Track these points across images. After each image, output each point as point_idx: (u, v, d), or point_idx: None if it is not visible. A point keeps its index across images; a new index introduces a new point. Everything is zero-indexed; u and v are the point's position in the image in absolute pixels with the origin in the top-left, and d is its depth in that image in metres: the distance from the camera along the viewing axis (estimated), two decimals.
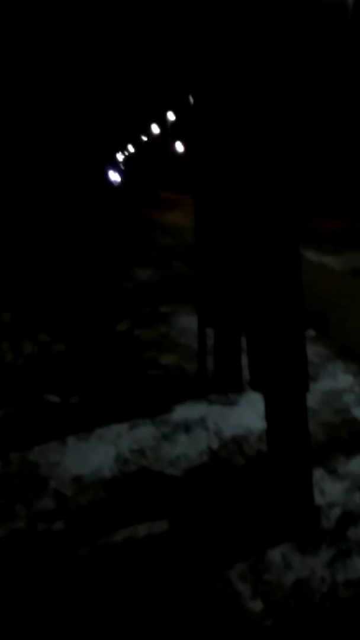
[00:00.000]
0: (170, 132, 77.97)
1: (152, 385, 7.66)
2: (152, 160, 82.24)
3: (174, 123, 75.96)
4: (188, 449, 5.96)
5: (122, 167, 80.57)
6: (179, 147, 75.35)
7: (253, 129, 4.49)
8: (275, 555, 4.31)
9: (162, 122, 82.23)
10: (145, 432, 6.31)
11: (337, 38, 31.65)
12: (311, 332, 8.67)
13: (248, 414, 6.46)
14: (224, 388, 7.23)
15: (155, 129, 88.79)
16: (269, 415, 4.67)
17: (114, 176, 64.12)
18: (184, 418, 6.58)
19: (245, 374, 6.23)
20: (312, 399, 6.22)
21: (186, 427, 6.39)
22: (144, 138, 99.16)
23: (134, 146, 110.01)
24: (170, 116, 76.82)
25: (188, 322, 9.96)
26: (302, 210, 4.95)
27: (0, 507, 5.10)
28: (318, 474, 5.20)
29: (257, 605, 3.91)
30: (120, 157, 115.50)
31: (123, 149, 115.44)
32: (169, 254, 18.79)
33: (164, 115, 78.80)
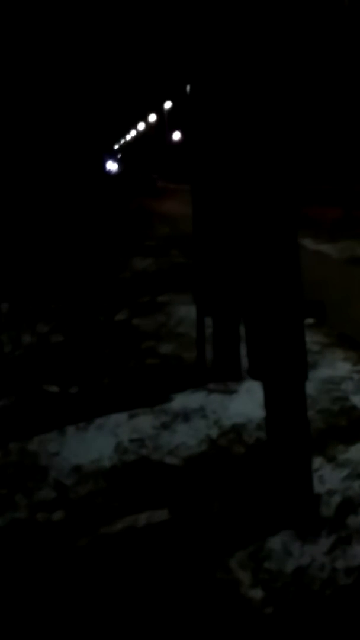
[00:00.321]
0: (167, 121, 77.83)
1: (151, 375, 7.67)
2: (149, 149, 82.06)
3: (171, 112, 75.82)
4: (187, 437, 5.96)
5: (120, 156, 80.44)
6: (176, 136, 75.23)
7: (251, 116, 4.48)
8: (275, 543, 4.31)
9: (160, 111, 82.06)
10: (145, 422, 6.32)
11: (335, 26, 31.57)
12: (310, 321, 8.66)
13: (247, 403, 6.47)
14: (223, 377, 7.23)
15: (152, 117, 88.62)
16: (268, 403, 4.67)
17: (112, 165, 64.02)
18: (183, 407, 6.59)
19: (244, 362, 6.23)
20: (311, 387, 6.22)
21: (185, 416, 6.40)
22: (142, 127, 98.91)
23: (131, 135, 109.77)
24: (168, 105, 76.68)
25: (186, 311, 9.96)
26: (299, 198, 4.93)
27: (0, 498, 5.10)
28: (317, 461, 5.20)
29: (257, 593, 3.91)
30: (117, 146, 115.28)
31: (120, 138, 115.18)
32: (167, 244, 18.79)
33: (162, 104, 78.65)
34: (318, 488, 4.86)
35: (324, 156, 38.82)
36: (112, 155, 77.95)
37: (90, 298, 11.60)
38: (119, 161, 67.78)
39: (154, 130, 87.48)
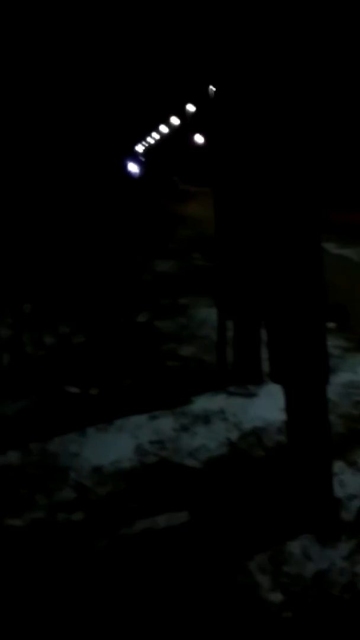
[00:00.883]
0: (189, 124, 77.83)
1: (172, 377, 7.67)
2: (171, 152, 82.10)
3: (193, 115, 75.82)
4: (207, 440, 5.96)
5: (142, 159, 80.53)
6: (199, 139, 75.21)
7: (275, 120, 4.48)
8: (294, 547, 4.30)
9: (182, 114, 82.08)
10: (165, 424, 6.32)
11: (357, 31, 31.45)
12: (331, 325, 8.64)
13: (267, 406, 6.45)
14: (244, 380, 7.22)
15: (175, 121, 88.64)
16: (289, 407, 4.67)
17: (133, 168, 64.09)
18: (203, 409, 6.59)
19: (265, 366, 6.23)
20: (332, 392, 6.19)
21: (205, 418, 6.40)
22: (164, 130, 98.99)
23: (153, 138, 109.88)
24: (190, 108, 76.67)
25: (207, 313, 9.95)
26: (323, 202, 4.92)
27: (20, 497, 5.12)
28: (338, 466, 5.18)
29: (276, 597, 3.91)
30: (139, 149, 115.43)
31: (142, 141, 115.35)
32: (189, 246, 18.79)
33: (184, 107, 78.65)
34: (338, 492, 4.85)
35: (345, 161, 38.68)
36: (135, 158, 78.07)
37: (111, 300, 11.62)
38: (141, 164, 67.83)
39: (176, 134, 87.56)
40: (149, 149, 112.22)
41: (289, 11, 4.43)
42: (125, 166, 57.57)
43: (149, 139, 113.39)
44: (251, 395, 6.90)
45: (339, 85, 36.35)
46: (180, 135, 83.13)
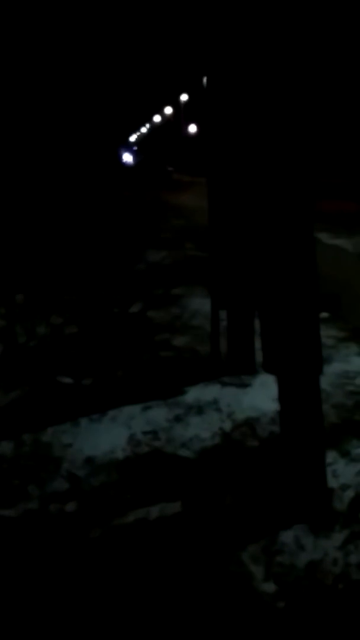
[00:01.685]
0: (183, 114, 77.72)
1: (165, 367, 7.66)
2: (165, 142, 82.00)
3: (187, 104, 75.71)
4: (201, 430, 5.96)
5: (136, 149, 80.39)
6: (192, 128, 75.12)
7: (268, 109, 4.46)
8: (288, 537, 4.30)
9: (176, 104, 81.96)
10: (158, 414, 6.31)
11: (354, 19, 31.44)
12: (324, 315, 8.64)
13: (261, 396, 6.46)
14: (237, 370, 7.22)
15: (168, 110, 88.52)
16: (282, 397, 4.66)
17: (127, 158, 63.96)
18: (196, 400, 6.58)
19: (258, 356, 6.23)
20: (325, 382, 6.20)
21: (199, 409, 6.39)
22: (158, 119, 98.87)
23: (147, 128, 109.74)
24: (184, 97, 76.55)
25: (201, 304, 9.95)
26: (316, 192, 4.91)
27: (13, 488, 5.11)
28: (331, 456, 5.19)
29: (269, 587, 3.91)
30: (133, 138, 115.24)
31: (136, 130, 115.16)
32: (182, 236, 18.76)
33: (178, 97, 78.53)
34: (331, 482, 4.85)
35: (340, 150, 38.68)
36: (129, 148, 77.92)
37: (104, 290, 11.60)
38: (135, 153, 67.67)
39: (169, 123, 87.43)
40: (143, 139, 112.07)
41: (281, 2, 4.41)
42: (119, 156, 57.46)
43: (142, 129, 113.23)
44: (245, 385, 6.89)
45: (334, 75, 36.33)
46: (173, 125, 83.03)
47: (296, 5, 4.41)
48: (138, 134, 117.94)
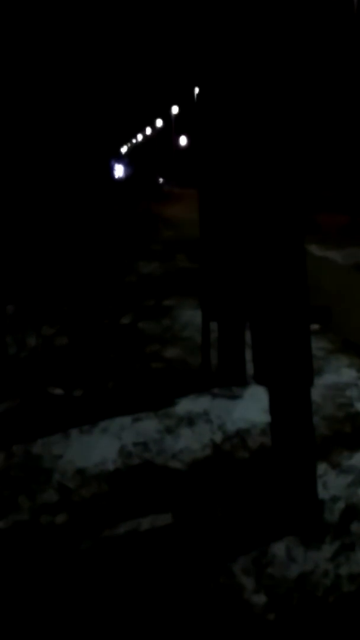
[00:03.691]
0: (174, 126, 77.90)
1: (156, 379, 7.66)
2: (156, 154, 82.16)
3: (178, 117, 75.90)
4: (191, 442, 5.96)
5: (127, 161, 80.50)
6: (183, 141, 75.28)
7: (259, 121, 4.48)
8: (278, 548, 4.30)
9: (167, 116, 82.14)
10: (149, 425, 6.31)
11: (343, 31, 31.60)
12: (315, 326, 8.65)
13: (252, 408, 6.46)
14: (228, 381, 7.22)
15: (159, 122, 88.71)
16: (273, 409, 4.67)
17: (119, 169, 64.05)
18: (187, 411, 6.58)
19: (249, 367, 6.23)
20: (316, 393, 6.22)
21: (190, 420, 6.39)
22: (149, 132, 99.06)
23: (138, 140, 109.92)
24: (175, 110, 76.75)
25: (191, 315, 9.96)
26: (306, 204, 4.93)
27: (3, 500, 5.10)
28: (322, 468, 5.19)
29: (260, 599, 3.90)
30: (124, 150, 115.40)
31: (128, 142, 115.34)
32: (173, 248, 18.79)
33: (169, 109, 78.72)
34: (322, 494, 4.86)
35: (331, 163, 38.80)
36: (120, 160, 77.97)
37: (95, 301, 11.60)
38: (126, 165, 67.72)
39: (160, 135, 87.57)
40: (134, 151, 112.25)
41: (269, 16, 4.43)
42: (111, 168, 57.55)
43: (133, 141, 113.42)
44: (235, 397, 6.89)
45: (327, 89, 36.48)
46: (164, 137, 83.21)
47: (287, 20, 4.44)
48: (129, 145, 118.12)
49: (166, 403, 6.78)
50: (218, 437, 6.04)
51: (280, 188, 4.48)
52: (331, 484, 5.09)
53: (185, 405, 6.72)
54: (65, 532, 4.64)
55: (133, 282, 13.97)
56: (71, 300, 11.59)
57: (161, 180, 54.25)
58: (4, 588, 4.08)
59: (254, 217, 4.62)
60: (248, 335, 5.73)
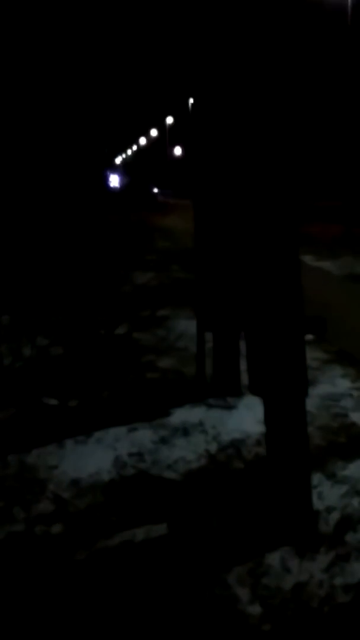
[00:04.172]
0: (168, 137, 78.07)
1: (151, 389, 7.66)
2: (150, 164, 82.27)
3: (172, 127, 76.06)
4: (186, 452, 5.95)
5: (122, 171, 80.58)
6: (177, 151, 75.41)
7: (253, 133, 4.49)
8: (273, 559, 4.30)
9: (161, 126, 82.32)
10: (144, 436, 6.31)
11: (337, 40, 31.71)
12: (310, 337, 8.67)
13: (246, 418, 6.46)
14: (223, 392, 7.23)
15: (154, 132, 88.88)
16: (268, 419, 4.67)
17: (114, 180, 64.10)
18: (182, 422, 6.58)
19: (244, 378, 6.23)
20: (311, 404, 6.22)
21: (184, 430, 6.39)
22: (143, 142, 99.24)
23: (132, 150, 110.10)
24: (169, 120, 76.93)
25: (186, 325, 9.96)
26: (301, 215, 4.95)
27: None
28: (316, 478, 5.20)
29: (255, 610, 3.90)
30: (119, 161, 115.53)
31: (122, 152, 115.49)
32: (167, 258, 18.82)
33: (163, 120, 78.89)
34: (317, 504, 4.86)
35: (326, 174, 38.90)
36: (115, 171, 78.06)
37: (90, 311, 11.59)
38: (121, 176, 67.77)
39: (155, 146, 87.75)
40: (128, 161, 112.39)
41: (263, 29, 4.46)
42: (105, 178, 57.56)
43: (129, 152, 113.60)
44: (230, 407, 6.90)
45: (321, 99, 36.59)
46: (159, 148, 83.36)
47: (281, 33, 4.46)
48: (124, 156, 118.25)
49: (161, 413, 6.78)
50: (213, 448, 6.04)
51: (275, 198, 4.49)
52: (326, 494, 5.09)
53: (180, 416, 6.72)
54: (60, 542, 4.64)
55: (128, 292, 13.97)
56: (66, 311, 11.57)
57: (156, 190, 54.30)
58: (0, 598, 4.08)
59: (248, 227, 4.63)
60: (243, 346, 5.73)
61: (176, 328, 10.36)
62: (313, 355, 8.20)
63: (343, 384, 7.57)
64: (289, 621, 3.81)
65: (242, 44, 4.53)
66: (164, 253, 20.28)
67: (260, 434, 5.58)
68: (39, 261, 15.99)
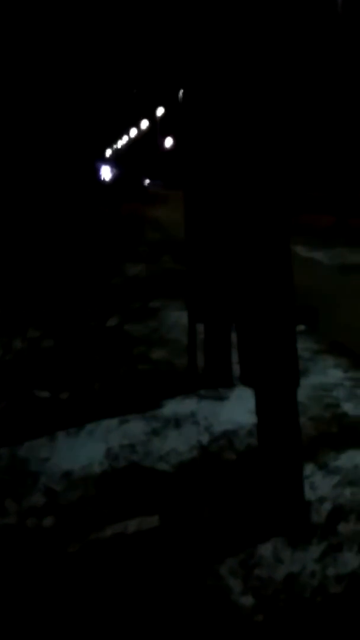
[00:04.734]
0: (159, 128, 77.94)
1: (142, 381, 7.65)
2: (141, 155, 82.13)
3: (163, 118, 75.95)
4: (178, 444, 5.95)
5: (114, 163, 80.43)
6: (168, 142, 75.33)
7: (243, 122, 4.48)
8: (266, 550, 4.30)
9: (152, 118, 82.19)
10: (135, 428, 6.30)
11: (328, 33, 31.66)
12: (301, 327, 8.66)
13: (238, 409, 6.46)
14: (214, 383, 7.22)
15: (144, 124, 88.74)
16: (260, 410, 4.66)
17: (106, 172, 63.96)
18: (174, 413, 6.57)
19: (236, 369, 6.22)
20: (303, 394, 6.20)
21: (176, 422, 6.38)
22: (134, 133, 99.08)
23: (123, 141, 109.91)
24: (160, 111, 76.79)
25: (178, 317, 9.95)
26: (292, 205, 4.94)
27: None
28: (308, 468, 5.19)
29: (247, 600, 3.90)
30: (109, 152, 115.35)
31: (113, 144, 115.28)
32: (159, 249, 18.79)
33: (154, 111, 78.76)
34: (309, 495, 4.85)
35: (317, 164, 38.90)
36: (106, 162, 77.87)
37: (81, 303, 11.58)
38: (112, 168, 67.63)
39: (146, 137, 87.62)
40: (119, 153, 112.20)
41: (253, 19, 4.44)
42: (97, 170, 57.43)
43: (119, 143, 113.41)
44: (222, 398, 6.89)
45: (311, 90, 36.53)
46: (150, 139, 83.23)
47: (271, 23, 4.44)
48: (114, 147, 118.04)
49: (153, 405, 6.77)
50: (205, 439, 6.03)
51: (265, 189, 4.48)
52: (318, 484, 5.09)
53: (172, 407, 6.72)
54: (52, 535, 4.63)
55: (119, 284, 13.96)
56: (57, 303, 11.56)
57: (147, 181, 54.24)
58: None
59: (239, 218, 4.62)
60: (234, 337, 5.72)
61: (168, 320, 10.34)
62: (305, 346, 8.20)
63: (335, 374, 7.57)
64: (281, 612, 3.81)
65: (233, 34, 4.51)
66: (155, 244, 20.25)
67: (253, 425, 5.56)
68: (30, 253, 15.97)
